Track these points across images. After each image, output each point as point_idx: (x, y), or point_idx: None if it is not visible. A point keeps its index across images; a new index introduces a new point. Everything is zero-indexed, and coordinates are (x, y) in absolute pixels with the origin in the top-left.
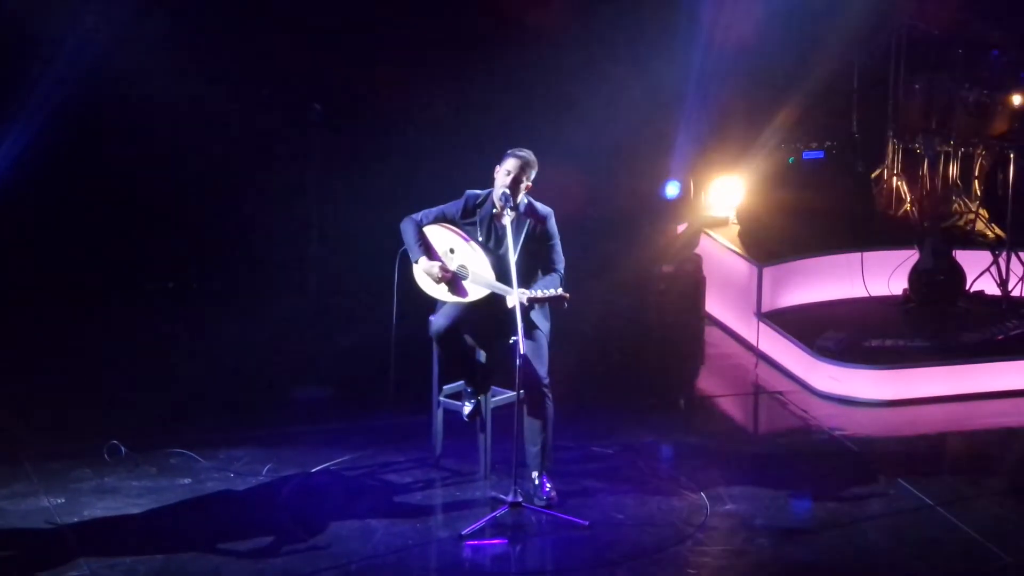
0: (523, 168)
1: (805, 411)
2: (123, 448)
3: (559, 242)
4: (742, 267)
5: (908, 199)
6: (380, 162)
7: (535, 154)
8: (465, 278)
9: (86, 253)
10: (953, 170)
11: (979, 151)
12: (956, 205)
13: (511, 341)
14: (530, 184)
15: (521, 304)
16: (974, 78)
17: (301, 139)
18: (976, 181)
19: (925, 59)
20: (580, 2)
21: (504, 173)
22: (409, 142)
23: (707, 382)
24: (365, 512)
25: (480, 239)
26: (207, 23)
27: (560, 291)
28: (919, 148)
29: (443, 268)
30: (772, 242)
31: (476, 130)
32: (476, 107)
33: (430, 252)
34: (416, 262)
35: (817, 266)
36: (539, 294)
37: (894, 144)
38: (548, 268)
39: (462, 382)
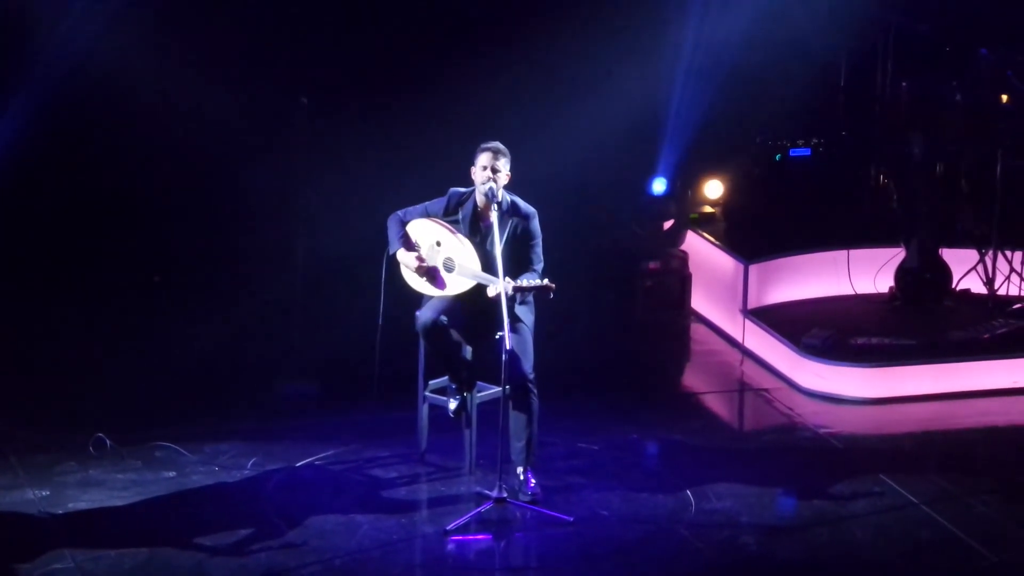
0: (496, 157)
1: (790, 408)
2: (108, 441)
3: (540, 242)
4: (728, 264)
5: (895, 197)
6: (367, 156)
7: (526, 148)
8: (452, 270)
9: (72, 247)
10: (940, 168)
11: (967, 149)
12: (943, 203)
13: (497, 336)
14: (509, 174)
15: (507, 297)
16: (962, 76)
17: (288, 132)
18: (963, 179)
19: (913, 57)
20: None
21: (480, 168)
22: (396, 137)
23: (692, 379)
24: (350, 507)
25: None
26: (193, 16)
27: (546, 281)
28: (906, 146)
29: (419, 258)
30: (758, 239)
31: (464, 125)
32: (465, 102)
33: (408, 244)
34: (393, 254)
35: (803, 263)
36: (525, 283)
37: (881, 142)
38: (526, 267)
39: (447, 378)
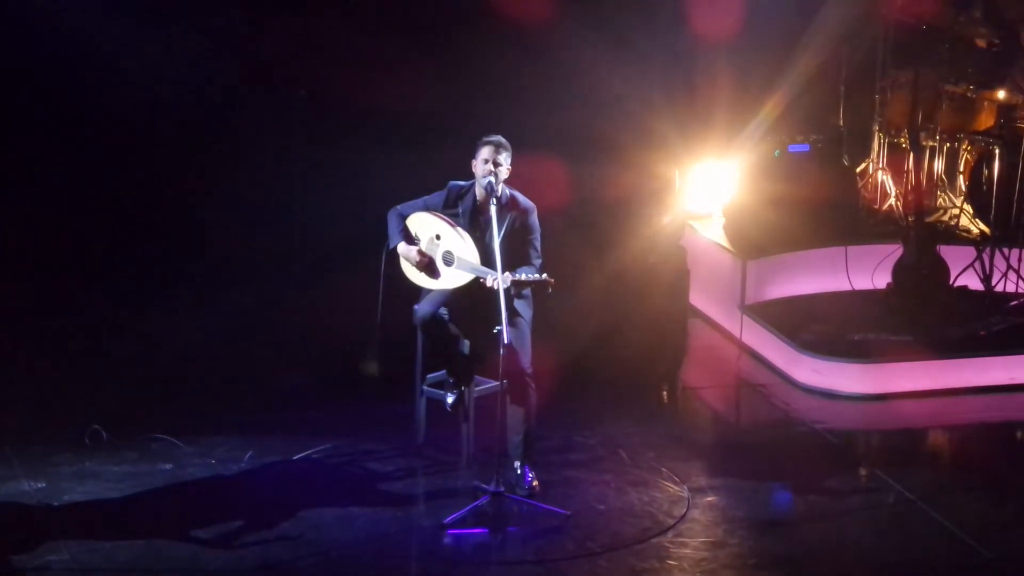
0: (498, 151)
1: (787, 404)
2: (104, 433)
3: (539, 237)
4: (726, 260)
5: (893, 193)
6: (366, 149)
7: (523, 144)
8: (451, 264)
9: (67, 239)
10: (938, 165)
11: (964, 146)
12: (941, 200)
13: (495, 331)
14: (510, 168)
15: (505, 291)
16: (960, 73)
17: (286, 125)
18: (961, 176)
19: (911, 53)
20: None
21: (482, 162)
22: (395, 131)
23: (690, 374)
24: (346, 500)
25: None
26: (190, 8)
27: (545, 275)
28: (904, 142)
29: (420, 252)
30: (757, 235)
31: (462, 121)
32: (463, 98)
33: (408, 238)
34: (393, 248)
35: (801, 260)
36: (523, 278)
37: (880, 138)
38: (525, 261)
39: (444, 371)
